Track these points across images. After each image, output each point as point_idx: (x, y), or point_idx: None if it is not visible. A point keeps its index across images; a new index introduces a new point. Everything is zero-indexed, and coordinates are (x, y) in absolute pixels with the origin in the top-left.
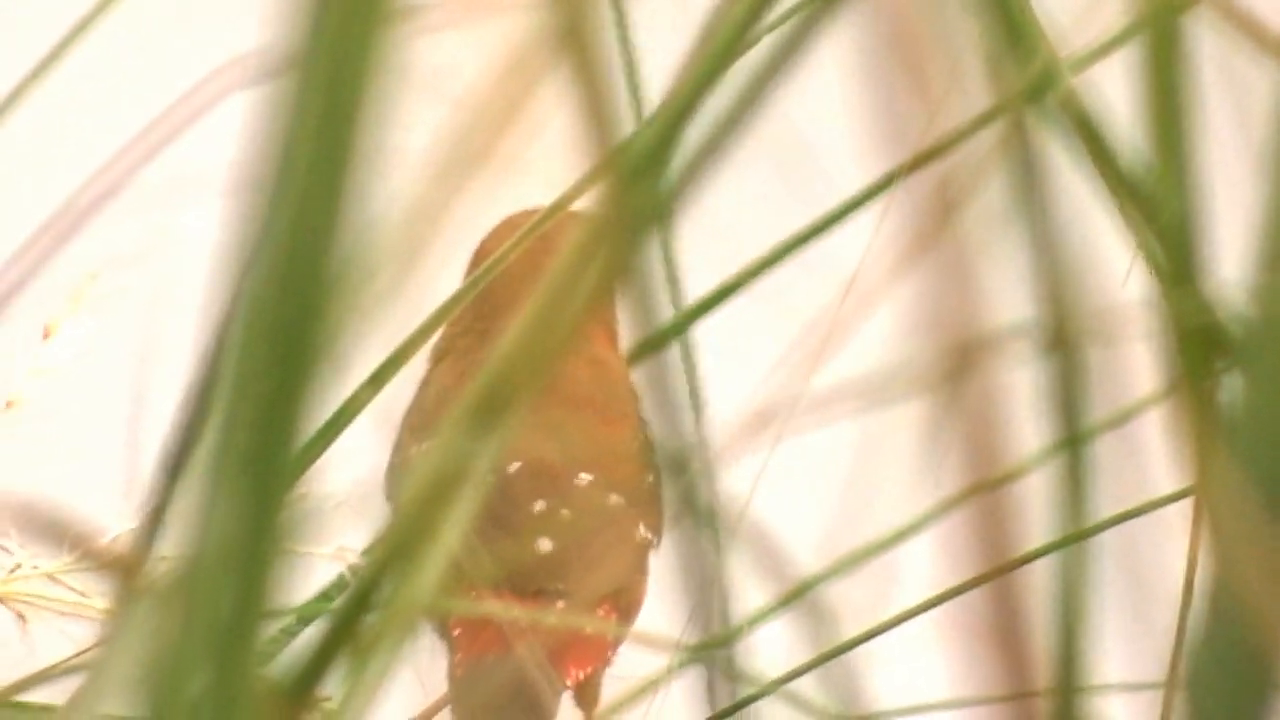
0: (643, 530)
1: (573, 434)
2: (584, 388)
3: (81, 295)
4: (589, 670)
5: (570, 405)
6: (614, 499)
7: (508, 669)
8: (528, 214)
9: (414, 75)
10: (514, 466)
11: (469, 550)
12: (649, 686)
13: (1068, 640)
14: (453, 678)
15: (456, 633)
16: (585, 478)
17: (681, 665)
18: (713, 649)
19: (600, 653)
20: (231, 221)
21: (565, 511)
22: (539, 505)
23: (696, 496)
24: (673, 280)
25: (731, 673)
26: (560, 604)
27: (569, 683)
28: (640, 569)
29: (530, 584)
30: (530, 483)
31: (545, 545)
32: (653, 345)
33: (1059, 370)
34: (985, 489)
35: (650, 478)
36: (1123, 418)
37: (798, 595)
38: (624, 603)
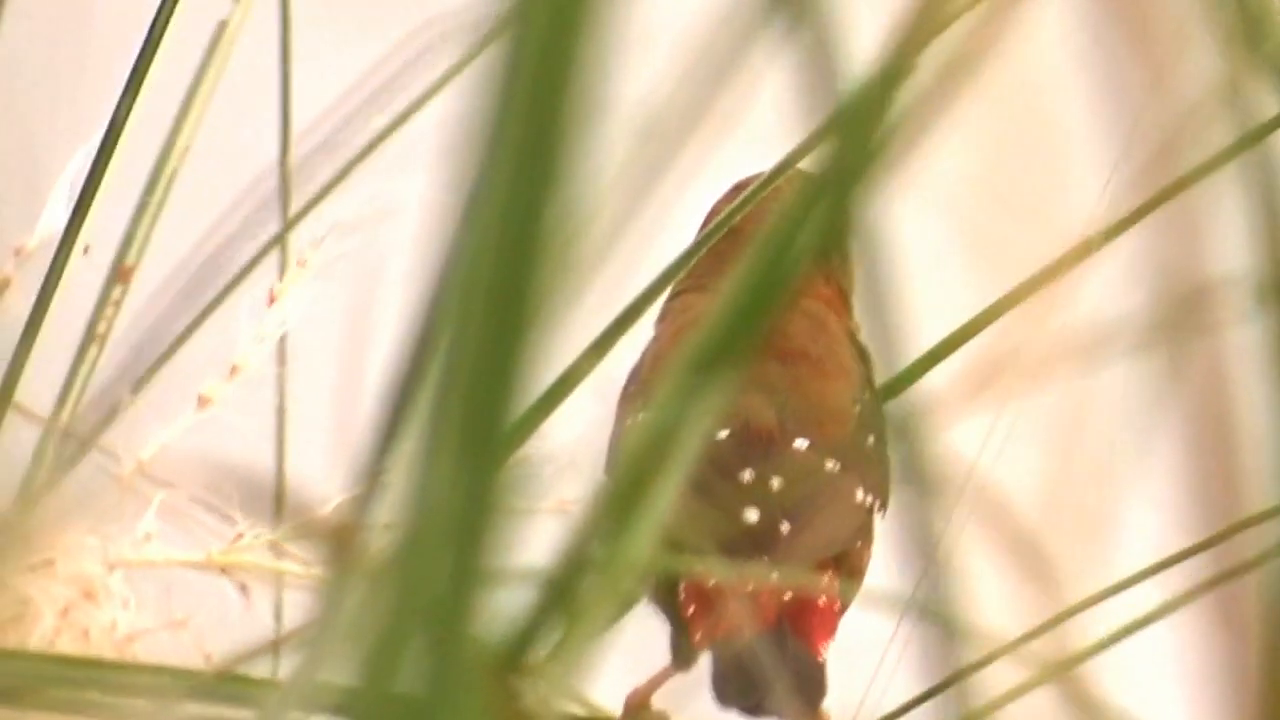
0: (862, 494)
1: (788, 393)
2: (798, 341)
3: (306, 262)
4: (826, 643)
5: (784, 360)
6: (830, 464)
7: (763, 647)
8: (758, 178)
9: (630, 34)
10: (723, 433)
11: (680, 521)
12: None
13: None
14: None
15: (691, 610)
16: (802, 443)
17: (905, 630)
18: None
19: (830, 622)
20: (449, 186)
21: (776, 480)
22: (747, 475)
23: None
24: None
25: (955, 637)
26: (776, 575)
27: (821, 658)
28: (862, 535)
29: (738, 557)
30: (741, 450)
31: (752, 516)
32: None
33: None
34: (1212, 447)
35: (871, 439)
36: None
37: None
38: (846, 571)
